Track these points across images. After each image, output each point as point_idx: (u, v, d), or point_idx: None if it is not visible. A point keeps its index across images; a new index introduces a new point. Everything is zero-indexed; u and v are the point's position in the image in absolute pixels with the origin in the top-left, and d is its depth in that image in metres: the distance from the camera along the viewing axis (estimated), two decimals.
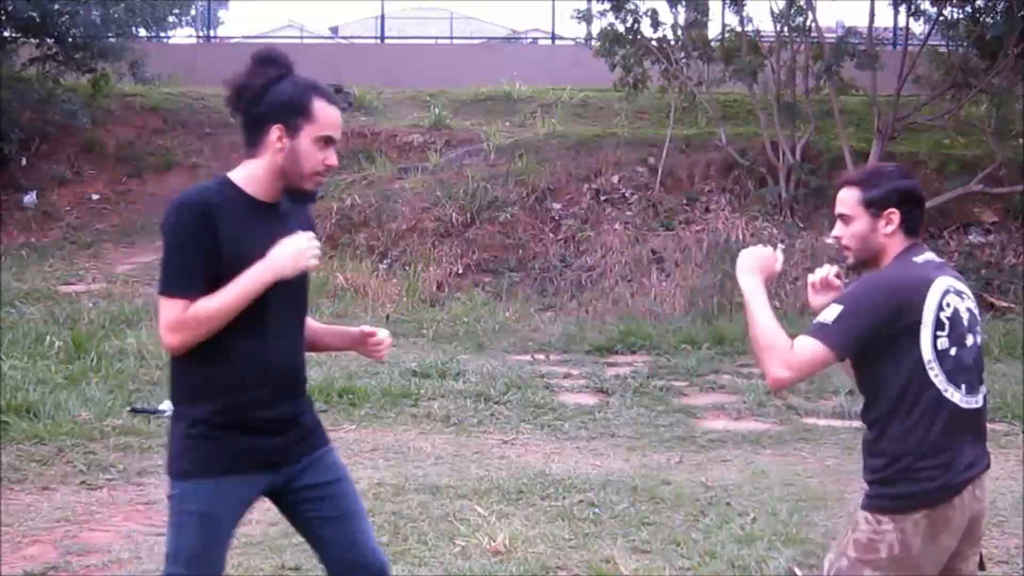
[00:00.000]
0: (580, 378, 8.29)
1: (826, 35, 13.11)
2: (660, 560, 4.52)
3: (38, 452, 5.94)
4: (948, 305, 2.65)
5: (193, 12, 19.85)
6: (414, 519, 4.99)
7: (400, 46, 20.76)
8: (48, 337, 8.33)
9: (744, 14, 12.84)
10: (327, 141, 2.63)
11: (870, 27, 12.97)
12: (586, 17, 13.24)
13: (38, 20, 13.85)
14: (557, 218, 12.33)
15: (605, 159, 13.01)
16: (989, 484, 2.77)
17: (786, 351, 2.60)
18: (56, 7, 14.00)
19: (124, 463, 5.83)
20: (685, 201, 12.49)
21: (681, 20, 12.96)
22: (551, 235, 12.10)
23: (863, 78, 12.40)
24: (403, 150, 14.12)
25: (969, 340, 2.69)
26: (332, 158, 2.65)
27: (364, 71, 16.52)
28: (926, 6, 12.91)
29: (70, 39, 14.14)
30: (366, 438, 6.53)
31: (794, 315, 8.86)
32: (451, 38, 23.93)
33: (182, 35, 33.92)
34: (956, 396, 2.64)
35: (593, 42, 13.27)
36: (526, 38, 27.24)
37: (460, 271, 11.57)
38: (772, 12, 12.63)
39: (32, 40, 14.26)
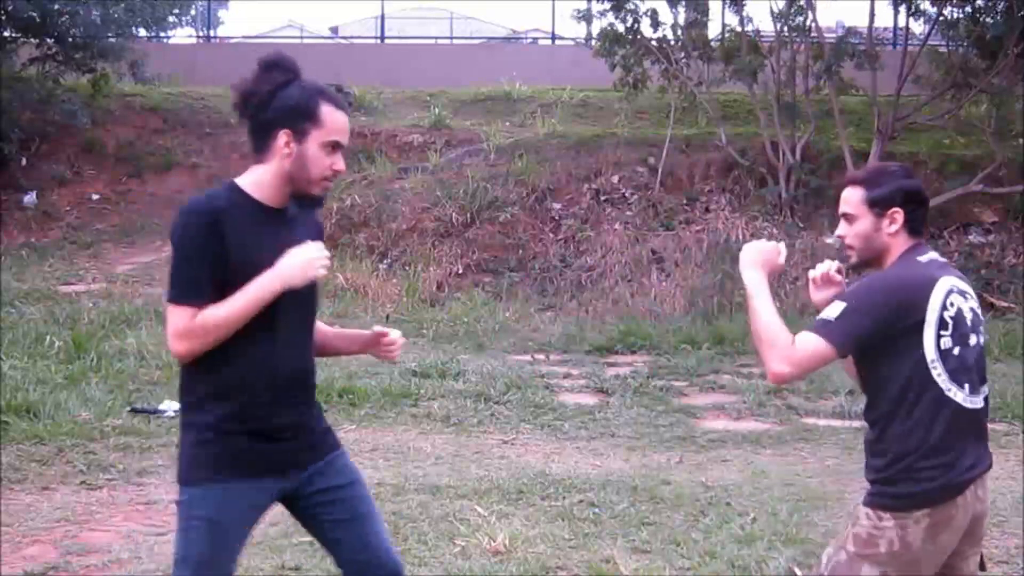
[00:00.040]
0: (580, 378, 8.28)
1: (826, 35, 13.10)
2: (660, 560, 4.52)
3: (38, 452, 5.94)
4: (952, 305, 2.65)
5: (193, 12, 19.82)
6: (414, 519, 4.99)
7: (400, 46, 20.74)
8: (48, 337, 8.33)
9: (744, 14, 12.85)
10: (335, 146, 2.62)
11: (870, 27, 12.97)
12: (586, 17, 13.25)
13: (38, 20, 13.84)
14: (557, 218, 12.33)
15: (605, 159, 13.01)
16: (989, 484, 2.76)
17: (788, 347, 2.61)
18: (56, 7, 13.99)
19: (124, 463, 5.83)
20: (685, 201, 12.48)
21: (681, 20, 12.96)
22: (551, 235, 12.09)
23: (863, 78, 12.39)
24: (403, 150, 14.10)
25: (972, 340, 2.69)
26: (340, 163, 2.64)
27: (364, 71, 16.50)
28: (926, 6, 12.92)
29: (70, 39, 14.13)
30: (366, 438, 6.53)
31: (794, 315, 8.85)
32: (451, 38, 23.91)
33: (182, 35, 34.06)
34: (959, 396, 2.64)
35: (593, 42, 13.27)
36: (526, 38, 27.22)
37: (460, 271, 11.57)
38: (772, 12, 12.65)
39: (32, 40, 14.25)
